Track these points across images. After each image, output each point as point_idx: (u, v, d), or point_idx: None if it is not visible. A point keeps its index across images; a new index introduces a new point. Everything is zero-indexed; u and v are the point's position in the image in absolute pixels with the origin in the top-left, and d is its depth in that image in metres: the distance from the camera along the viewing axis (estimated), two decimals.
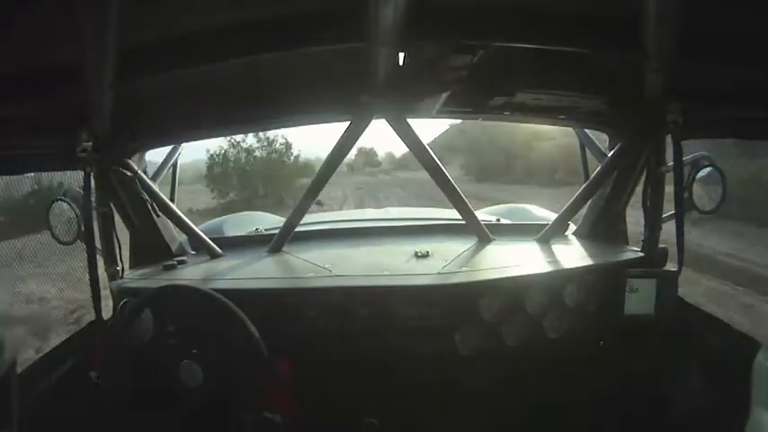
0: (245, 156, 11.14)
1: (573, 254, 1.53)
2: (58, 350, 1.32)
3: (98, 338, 1.29)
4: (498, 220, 1.96)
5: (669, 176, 1.38)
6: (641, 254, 1.49)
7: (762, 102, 1.08)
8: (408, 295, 1.32)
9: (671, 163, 1.33)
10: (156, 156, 1.65)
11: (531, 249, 1.57)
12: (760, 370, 0.69)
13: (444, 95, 1.30)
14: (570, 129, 1.73)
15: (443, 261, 1.43)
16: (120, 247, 1.45)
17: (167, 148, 1.68)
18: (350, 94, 1.32)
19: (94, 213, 1.35)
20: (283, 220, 1.72)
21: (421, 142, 1.50)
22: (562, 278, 1.40)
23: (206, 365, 1.16)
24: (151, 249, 1.59)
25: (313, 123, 1.58)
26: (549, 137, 13.02)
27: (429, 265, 1.42)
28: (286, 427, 1.15)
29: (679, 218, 1.32)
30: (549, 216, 1.94)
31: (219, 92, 1.27)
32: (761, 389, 0.69)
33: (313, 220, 2.00)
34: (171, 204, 1.58)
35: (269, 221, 2.23)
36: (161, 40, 1.00)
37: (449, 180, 1.55)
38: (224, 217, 2.34)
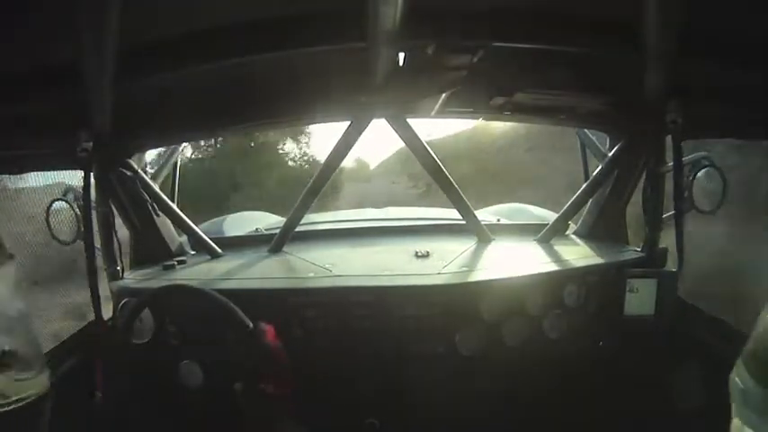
0: None
1: (573, 254, 1.53)
2: (58, 350, 1.32)
3: (98, 338, 1.29)
4: (498, 220, 1.97)
5: (669, 176, 1.38)
6: (641, 254, 1.49)
7: (762, 102, 1.08)
8: (408, 295, 1.32)
9: (671, 163, 1.33)
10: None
11: (531, 249, 1.57)
12: (733, 388, 0.70)
13: (444, 95, 1.30)
14: None
15: (443, 261, 1.43)
16: (120, 247, 1.45)
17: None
18: (350, 94, 1.32)
19: (94, 213, 1.35)
20: (283, 220, 1.72)
21: (422, 142, 1.50)
22: (562, 278, 1.40)
23: (206, 365, 1.16)
24: (151, 249, 1.59)
25: (313, 123, 1.58)
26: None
27: (429, 265, 1.42)
28: (280, 396, 1.12)
29: (679, 218, 1.32)
30: (549, 216, 1.94)
31: (219, 92, 1.26)
32: (737, 406, 0.69)
33: (313, 220, 2.00)
34: (171, 204, 1.58)
35: (269, 221, 2.23)
36: (161, 40, 1.00)
37: (449, 180, 1.55)
38: (224, 217, 2.35)
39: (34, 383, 0.88)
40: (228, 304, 1.11)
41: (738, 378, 0.69)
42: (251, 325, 1.10)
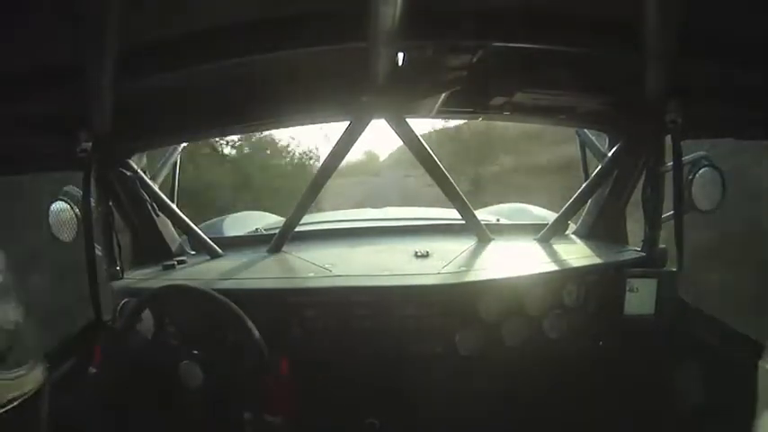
0: None
1: (573, 254, 1.53)
2: (58, 350, 1.32)
3: (98, 338, 1.29)
4: (498, 220, 1.97)
5: (669, 176, 1.38)
6: (641, 254, 1.49)
7: (762, 102, 1.08)
8: (408, 295, 1.32)
9: (671, 163, 1.33)
10: None
11: (531, 249, 1.57)
12: (764, 377, 0.69)
13: (444, 95, 1.30)
14: None
15: (443, 261, 1.43)
16: (120, 247, 1.45)
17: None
18: (350, 94, 1.32)
19: (94, 213, 1.35)
20: (283, 219, 1.72)
21: (421, 142, 1.50)
22: (562, 278, 1.40)
23: (206, 365, 1.16)
24: (151, 249, 1.59)
25: (313, 123, 1.59)
26: None
27: (429, 265, 1.42)
28: (286, 428, 1.15)
29: (678, 218, 1.32)
30: (549, 216, 1.94)
31: (219, 92, 1.26)
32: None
33: (313, 220, 2.00)
34: (171, 204, 1.58)
35: (269, 221, 2.23)
36: (161, 40, 1.00)
37: (449, 180, 1.55)
38: (224, 217, 2.35)
39: (29, 379, 0.87)
40: (248, 324, 1.13)
41: None
42: (266, 354, 1.12)
